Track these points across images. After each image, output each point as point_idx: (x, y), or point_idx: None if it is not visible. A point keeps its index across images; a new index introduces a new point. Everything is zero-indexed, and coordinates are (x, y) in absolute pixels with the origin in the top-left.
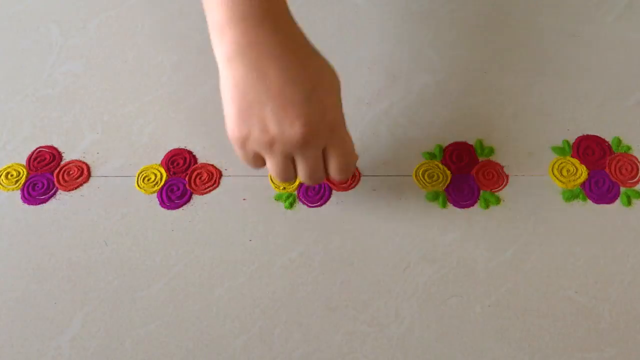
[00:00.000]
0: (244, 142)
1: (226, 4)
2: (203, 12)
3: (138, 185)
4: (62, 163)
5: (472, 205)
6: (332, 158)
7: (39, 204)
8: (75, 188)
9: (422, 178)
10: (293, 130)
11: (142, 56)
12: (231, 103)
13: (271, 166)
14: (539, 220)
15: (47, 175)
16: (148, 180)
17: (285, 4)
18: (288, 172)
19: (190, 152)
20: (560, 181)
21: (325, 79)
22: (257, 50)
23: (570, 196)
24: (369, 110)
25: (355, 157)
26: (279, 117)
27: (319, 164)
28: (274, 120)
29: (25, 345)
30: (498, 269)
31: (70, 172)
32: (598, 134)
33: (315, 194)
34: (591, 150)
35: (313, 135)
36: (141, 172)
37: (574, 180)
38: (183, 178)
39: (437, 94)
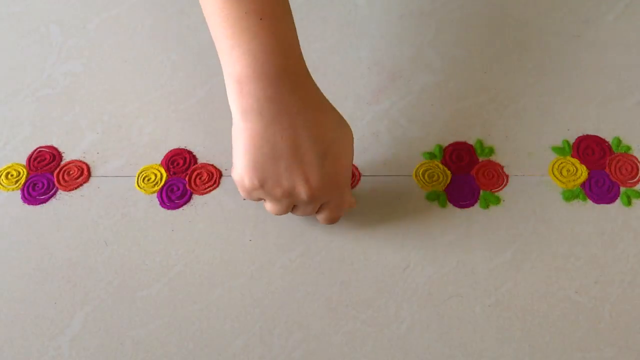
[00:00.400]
0: (251, 191)
1: (246, 59)
2: (207, 24)
3: (138, 185)
4: (62, 163)
5: (472, 205)
6: (326, 210)
7: (39, 204)
8: (75, 188)
9: (422, 178)
10: (304, 188)
11: (142, 56)
12: (244, 154)
13: (271, 209)
14: (539, 220)
15: (47, 175)
16: (148, 180)
17: (302, 61)
18: (281, 213)
19: (190, 152)
20: (560, 181)
21: (340, 137)
22: (276, 106)
23: (570, 196)
24: (369, 110)
25: (344, 210)
26: (293, 174)
27: (313, 212)
28: (286, 177)
29: (25, 345)
30: (498, 269)
31: (70, 172)
32: (598, 134)
33: None
34: (591, 150)
35: (321, 195)
36: (141, 172)
37: (574, 180)
38: (183, 178)
39: (437, 94)
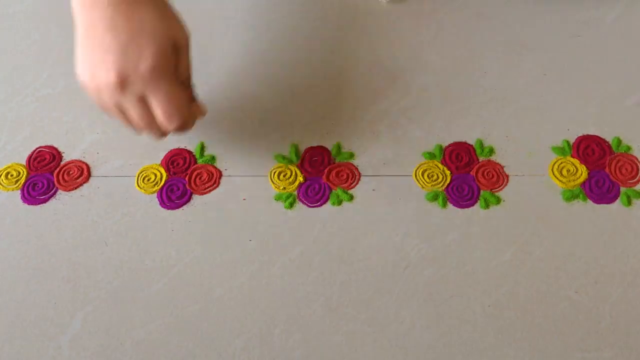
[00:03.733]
0: (86, 90)
1: None
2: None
3: (138, 185)
4: (62, 163)
5: (472, 205)
6: (152, 106)
7: (39, 204)
8: (75, 188)
9: (422, 178)
10: (107, 78)
11: None
12: (77, 49)
13: (112, 114)
14: (539, 220)
15: (47, 175)
16: (148, 180)
17: None
18: (124, 118)
19: (190, 152)
20: (560, 181)
21: (154, 27)
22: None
23: (570, 196)
24: (369, 110)
25: (183, 108)
26: (98, 65)
27: (143, 111)
28: (96, 66)
29: (25, 345)
30: (498, 269)
31: (70, 172)
32: (598, 134)
33: (315, 194)
34: (591, 150)
35: (125, 83)
36: (141, 172)
37: (574, 180)
38: (183, 178)
39: (437, 94)
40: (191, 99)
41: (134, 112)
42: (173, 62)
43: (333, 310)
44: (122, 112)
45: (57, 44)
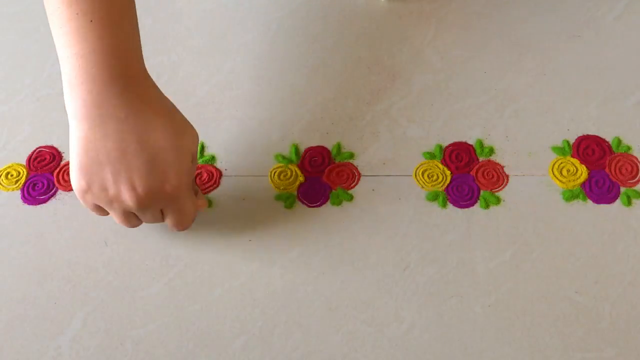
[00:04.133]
0: (83, 194)
1: (75, 61)
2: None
3: None
4: (62, 163)
5: (472, 205)
6: (167, 217)
7: (39, 204)
8: None
9: (422, 178)
10: (129, 195)
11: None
12: (75, 157)
13: (114, 217)
14: (539, 220)
15: (47, 175)
16: None
17: (138, 64)
18: (130, 223)
19: None
20: (560, 181)
21: (174, 145)
22: (101, 110)
23: (570, 196)
24: (369, 110)
25: (192, 215)
26: (118, 180)
27: (158, 218)
28: (112, 182)
29: (25, 345)
30: (498, 269)
31: None
32: (598, 134)
33: (315, 194)
34: (591, 150)
35: (149, 202)
36: None
37: (574, 180)
38: None
39: (437, 94)
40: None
41: (145, 220)
42: (193, 174)
43: (333, 310)
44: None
45: None
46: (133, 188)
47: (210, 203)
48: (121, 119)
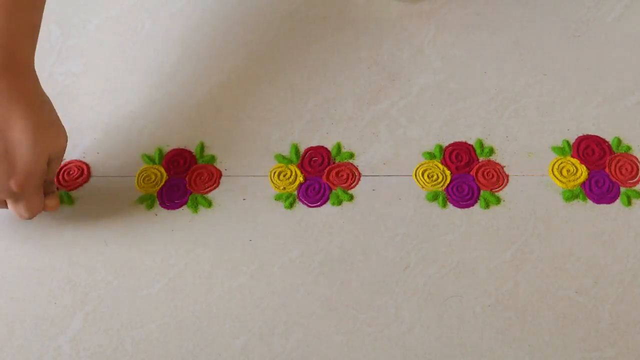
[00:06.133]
0: None
1: None
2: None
3: (138, 185)
4: (62, 163)
5: (472, 205)
6: (9, 205)
7: None
8: (75, 188)
9: (422, 178)
10: None
11: (142, 56)
12: None
13: None
14: (539, 220)
15: None
16: (148, 180)
17: (27, 56)
18: None
19: (190, 152)
20: (560, 181)
21: (30, 140)
22: None
23: (570, 196)
24: (369, 110)
25: (34, 212)
26: None
27: (1, 204)
28: None
29: (25, 345)
30: (498, 269)
31: (70, 172)
32: (598, 134)
33: (315, 194)
34: (591, 150)
35: None
36: (141, 172)
37: (574, 180)
38: (183, 178)
39: (437, 94)
40: (47, 195)
41: None
42: (45, 175)
43: (333, 310)
44: None
45: (57, 44)
46: None
47: (210, 203)
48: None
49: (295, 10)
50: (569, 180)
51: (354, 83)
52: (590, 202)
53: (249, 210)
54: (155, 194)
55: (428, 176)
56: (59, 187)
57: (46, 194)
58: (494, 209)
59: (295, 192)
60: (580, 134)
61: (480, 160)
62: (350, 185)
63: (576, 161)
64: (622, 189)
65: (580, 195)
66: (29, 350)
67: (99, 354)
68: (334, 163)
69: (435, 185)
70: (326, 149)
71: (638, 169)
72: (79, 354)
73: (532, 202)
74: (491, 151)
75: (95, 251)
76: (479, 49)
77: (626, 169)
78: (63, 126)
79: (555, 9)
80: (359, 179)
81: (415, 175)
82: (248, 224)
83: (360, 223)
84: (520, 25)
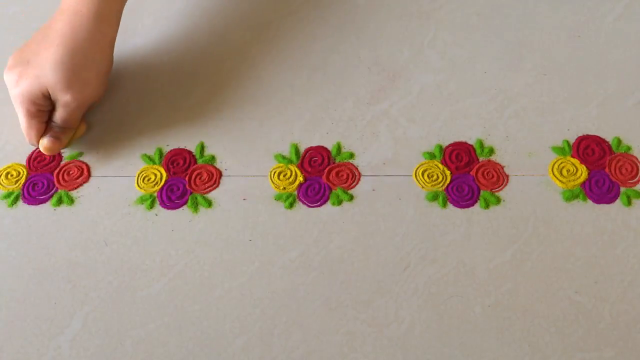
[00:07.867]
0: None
1: None
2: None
3: (138, 185)
4: (62, 163)
5: (472, 205)
6: (57, 112)
7: (39, 204)
8: (75, 188)
9: (422, 178)
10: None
11: (142, 56)
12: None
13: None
14: (539, 220)
15: (47, 175)
16: (148, 180)
17: (115, 13)
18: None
19: (190, 152)
20: (560, 181)
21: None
22: (55, 20)
23: (570, 196)
24: (369, 110)
25: (75, 123)
26: (41, 55)
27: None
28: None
29: (25, 345)
30: (498, 269)
31: (70, 172)
32: (598, 134)
33: (315, 194)
34: (591, 150)
35: (62, 90)
36: (141, 172)
37: (574, 180)
38: (183, 178)
39: (437, 94)
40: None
41: (36, 107)
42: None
43: (333, 310)
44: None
45: None
46: (56, 67)
47: (210, 203)
48: (84, 14)
49: (296, 10)
50: (569, 180)
51: (354, 83)
52: (590, 202)
53: (249, 210)
54: (155, 194)
55: (428, 176)
56: (58, 187)
57: (51, 135)
58: (494, 209)
59: (295, 192)
60: (580, 134)
61: (480, 160)
62: (350, 185)
63: (576, 161)
64: (622, 189)
65: (580, 195)
66: (29, 350)
67: (99, 354)
68: (334, 163)
69: (435, 185)
70: (326, 149)
71: (638, 169)
72: (79, 354)
73: (532, 202)
74: (491, 151)
75: (95, 251)
76: (479, 49)
77: (626, 169)
78: (94, 86)
79: (555, 9)
80: (359, 179)
81: (415, 175)
82: (248, 224)
83: (360, 223)
84: (520, 25)
